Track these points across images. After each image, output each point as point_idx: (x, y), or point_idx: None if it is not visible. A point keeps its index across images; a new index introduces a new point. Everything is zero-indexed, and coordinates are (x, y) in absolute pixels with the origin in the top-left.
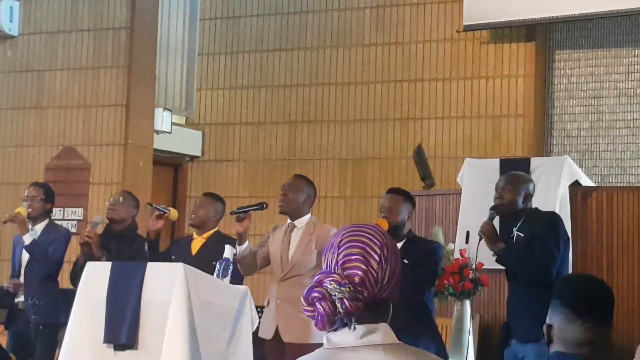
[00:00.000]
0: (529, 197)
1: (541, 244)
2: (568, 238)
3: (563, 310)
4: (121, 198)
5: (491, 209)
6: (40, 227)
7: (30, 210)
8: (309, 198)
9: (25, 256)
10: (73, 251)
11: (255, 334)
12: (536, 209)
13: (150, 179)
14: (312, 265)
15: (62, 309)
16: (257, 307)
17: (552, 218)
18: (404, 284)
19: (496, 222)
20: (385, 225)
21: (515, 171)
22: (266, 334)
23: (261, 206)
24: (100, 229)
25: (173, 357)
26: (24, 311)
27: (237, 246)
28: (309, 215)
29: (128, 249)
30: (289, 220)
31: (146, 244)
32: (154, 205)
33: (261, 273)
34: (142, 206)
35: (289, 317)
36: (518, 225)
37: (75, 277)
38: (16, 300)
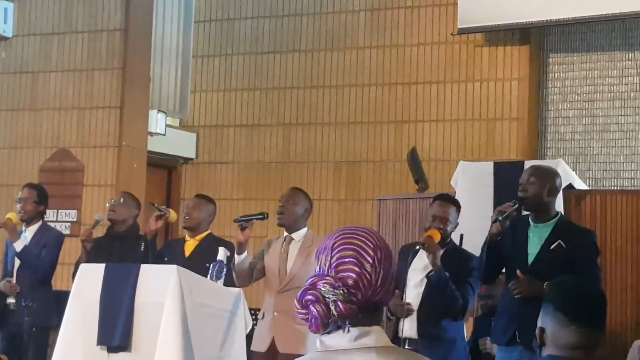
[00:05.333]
0: (554, 191)
1: (594, 270)
2: None
3: (556, 314)
4: (121, 199)
5: (515, 198)
6: (33, 229)
7: (22, 212)
8: (307, 211)
9: (18, 259)
10: (68, 253)
11: (248, 346)
12: (569, 221)
13: (144, 181)
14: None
15: (54, 311)
16: (250, 309)
17: (594, 238)
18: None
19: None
20: (438, 238)
21: (542, 165)
22: (260, 346)
23: (263, 216)
24: (102, 231)
25: (166, 359)
26: (15, 312)
27: (235, 255)
28: (305, 228)
29: (131, 251)
30: (285, 233)
31: (143, 244)
32: (155, 205)
33: None
34: (143, 207)
35: (285, 329)
36: (550, 232)
37: None
38: (7, 301)
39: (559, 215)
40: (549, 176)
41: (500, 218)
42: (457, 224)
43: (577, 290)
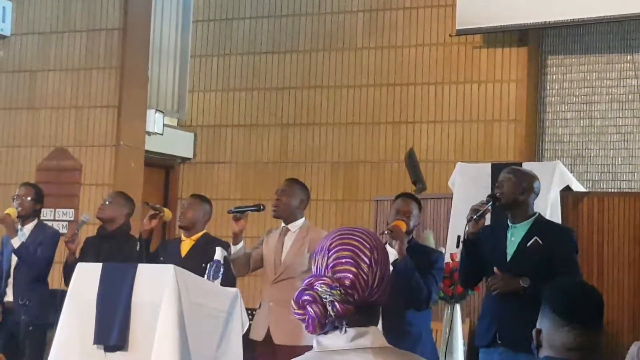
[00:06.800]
0: (529, 191)
1: (572, 266)
2: None
3: (552, 315)
4: (111, 199)
5: (489, 196)
6: (29, 227)
7: (20, 209)
8: (303, 202)
9: (15, 257)
10: (63, 251)
11: (246, 335)
12: (547, 219)
13: (141, 180)
14: (303, 268)
15: (51, 309)
16: (247, 309)
17: (572, 235)
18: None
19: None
20: (404, 227)
21: (521, 167)
22: (258, 335)
23: (258, 207)
24: (92, 230)
25: (163, 359)
26: (12, 311)
27: (232, 246)
28: (302, 219)
29: (120, 250)
30: (282, 224)
31: (138, 243)
32: (149, 204)
33: (252, 275)
34: (138, 207)
35: (280, 319)
36: (527, 230)
37: (67, 276)
38: (5, 300)
39: (537, 214)
40: (525, 176)
41: (475, 217)
42: (419, 222)
43: (573, 292)
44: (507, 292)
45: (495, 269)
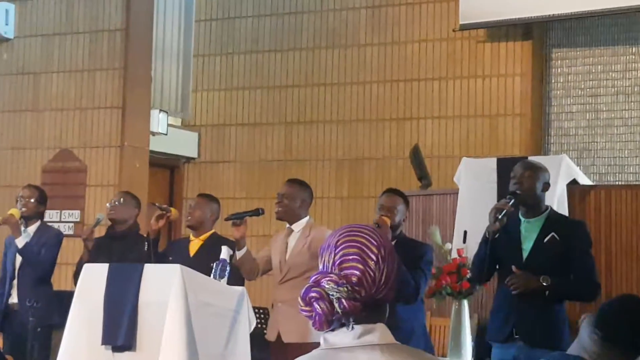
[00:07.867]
0: (547, 186)
1: (589, 260)
2: None
3: (592, 314)
4: (121, 199)
5: (509, 193)
6: (32, 228)
7: (24, 209)
8: (305, 202)
9: (19, 258)
10: (69, 252)
11: (262, 336)
12: (560, 214)
13: (146, 180)
14: (304, 267)
15: (56, 310)
16: (254, 308)
17: (587, 229)
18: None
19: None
20: (387, 223)
21: (532, 160)
22: (271, 336)
23: (257, 212)
24: (103, 231)
25: (171, 359)
26: (18, 313)
27: (236, 251)
28: (306, 218)
29: (131, 251)
30: (287, 225)
31: (147, 243)
32: (156, 204)
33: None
34: (143, 207)
35: (288, 319)
36: (542, 226)
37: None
38: (10, 301)
39: (549, 209)
40: (542, 171)
41: (499, 216)
42: (405, 218)
43: (614, 302)
44: (528, 291)
45: (513, 267)
